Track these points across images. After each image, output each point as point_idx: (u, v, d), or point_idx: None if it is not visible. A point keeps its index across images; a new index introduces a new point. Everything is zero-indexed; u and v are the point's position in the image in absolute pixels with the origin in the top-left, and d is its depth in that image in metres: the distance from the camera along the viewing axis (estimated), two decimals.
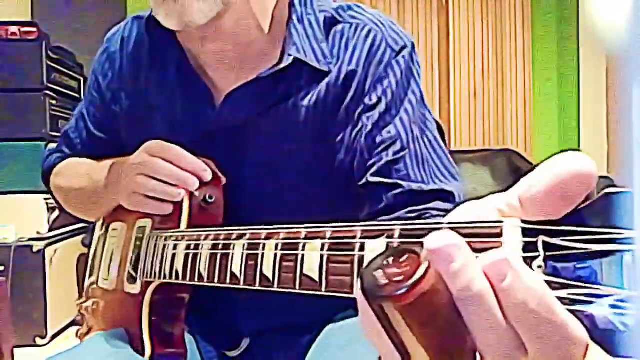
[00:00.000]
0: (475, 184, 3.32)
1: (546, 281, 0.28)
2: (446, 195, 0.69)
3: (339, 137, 0.73)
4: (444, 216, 0.65)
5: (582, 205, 0.28)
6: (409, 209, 0.68)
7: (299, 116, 0.73)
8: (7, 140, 2.67)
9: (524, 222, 0.30)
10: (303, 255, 0.44)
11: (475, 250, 0.31)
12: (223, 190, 0.72)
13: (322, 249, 0.42)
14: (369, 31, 0.73)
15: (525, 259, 0.30)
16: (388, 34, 0.74)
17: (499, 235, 0.31)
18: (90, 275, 0.90)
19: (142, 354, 0.71)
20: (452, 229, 0.33)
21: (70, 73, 3.10)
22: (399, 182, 0.69)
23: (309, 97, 0.73)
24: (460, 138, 3.75)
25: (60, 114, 2.83)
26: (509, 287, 0.28)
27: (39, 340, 2.52)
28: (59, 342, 2.61)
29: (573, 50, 3.76)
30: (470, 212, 0.34)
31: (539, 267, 0.29)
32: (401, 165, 0.70)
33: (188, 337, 0.79)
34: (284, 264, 0.46)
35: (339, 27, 0.74)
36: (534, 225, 0.30)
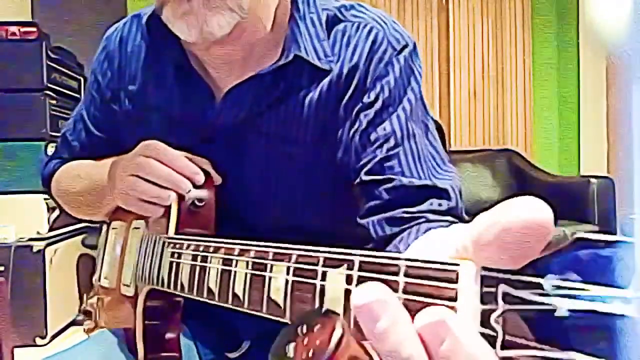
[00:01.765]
0: (475, 184, 3.32)
1: (505, 340, 0.25)
2: (440, 193, 0.69)
3: (338, 135, 0.73)
4: (439, 220, 0.65)
5: (551, 251, 0.25)
6: (404, 209, 0.67)
7: (299, 114, 0.73)
8: (7, 140, 2.67)
9: (485, 268, 0.27)
10: (270, 278, 0.42)
11: (431, 296, 0.28)
12: (221, 192, 0.71)
13: (287, 273, 0.40)
14: (371, 29, 0.73)
15: (483, 311, 0.26)
16: (390, 32, 0.74)
17: (454, 281, 0.27)
18: (97, 271, 0.90)
19: (137, 356, 0.71)
20: (408, 266, 0.30)
21: (70, 73, 3.10)
22: (391, 177, 0.69)
23: (309, 95, 0.73)
24: (460, 138, 3.75)
25: (60, 114, 2.83)
26: (446, 353, 0.25)
27: (39, 340, 2.52)
28: (59, 342, 2.61)
29: (573, 50, 3.76)
30: (433, 245, 0.31)
31: (497, 322, 0.26)
32: (394, 162, 0.69)
33: (186, 341, 0.78)
34: (254, 284, 0.44)
35: (341, 25, 0.74)
36: (493, 273, 0.26)
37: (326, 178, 0.75)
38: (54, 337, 2.62)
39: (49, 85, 2.78)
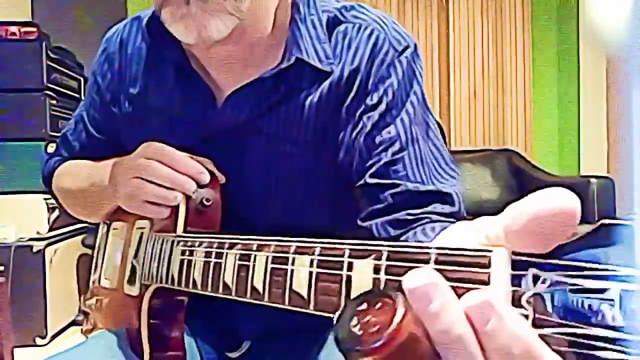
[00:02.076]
0: (475, 184, 3.32)
1: (536, 318, 0.27)
2: (445, 197, 0.69)
3: (340, 137, 0.73)
4: (443, 221, 0.65)
5: (578, 237, 0.28)
6: (407, 212, 0.67)
7: (300, 116, 0.73)
8: (7, 140, 2.67)
9: (514, 253, 0.29)
10: (292, 271, 0.43)
11: (462, 280, 0.30)
12: (223, 191, 0.71)
13: (310, 266, 0.41)
14: (372, 31, 0.73)
15: (513, 292, 0.29)
16: (391, 34, 0.73)
17: (487, 266, 0.30)
18: (94, 272, 0.90)
19: (142, 356, 0.71)
20: (439, 254, 0.32)
21: (70, 73, 3.10)
22: (397, 181, 0.69)
23: (311, 97, 0.73)
24: (460, 138, 3.75)
25: (60, 114, 2.83)
26: (492, 331, 0.26)
27: (39, 340, 2.52)
28: (59, 342, 2.61)
29: (573, 50, 3.76)
30: (460, 235, 0.33)
31: (528, 302, 0.28)
32: (399, 166, 0.69)
33: (188, 339, 0.78)
34: (274, 278, 0.45)
35: (342, 27, 0.74)
36: (523, 257, 0.29)
37: (326, 179, 0.75)
38: (54, 337, 2.62)
39: (49, 85, 2.78)
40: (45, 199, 2.57)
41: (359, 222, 0.70)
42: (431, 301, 0.27)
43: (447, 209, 0.68)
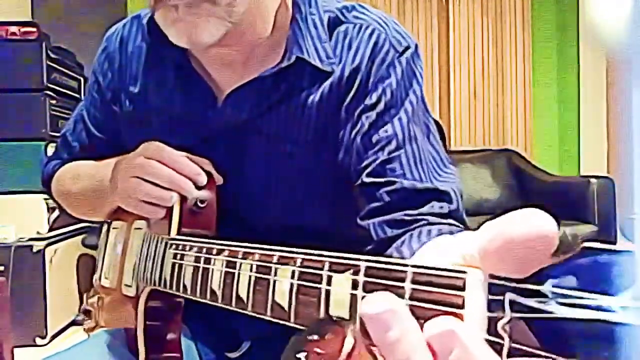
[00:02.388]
0: (476, 184, 3.32)
1: (512, 347, 0.25)
2: (442, 195, 0.69)
3: (339, 137, 0.73)
4: (440, 223, 0.65)
5: (559, 260, 0.25)
6: (405, 212, 0.67)
7: (300, 116, 0.73)
8: (7, 140, 2.67)
9: (491, 276, 0.27)
10: (275, 282, 0.42)
11: (437, 302, 0.28)
12: (221, 192, 0.71)
13: (292, 277, 0.40)
14: (373, 31, 0.73)
15: (489, 319, 0.27)
16: (392, 34, 0.73)
17: (461, 288, 0.28)
18: (97, 270, 0.90)
19: (138, 356, 0.71)
20: (415, 273, 0.30)
21: (70, 73, 3.10)
22: (393, 179, 0.68)
23: (311, 96, 0.73)
24: (460, 138, 3.75)
25: (60, 114, 2.83)
26: None
27: (39, 340, 2.52)
28: (59, 342, 2.61)
29: (573, 50, 3.76)
30: (441, 251, 0.31)
31: (504, 330, 0.26)
32: (396, 164, 0.69)
33: (186, 341, 0.78)
34: (257, 287, 0.44)
35: (343, 27, 0.74)
36: (500, 281, 0.26)
37: (326, 179, 0.75)
38: (54, 337, 2.62)
39: (49, 85, 2.78)
40: (45, 199, 2.57)
41: (358, 221, 0.70)
42: (389, 329, 0.26)
43: (445, 207, 0.68)
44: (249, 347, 0.84)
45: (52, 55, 2.84)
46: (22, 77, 2.70)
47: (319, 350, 0.26)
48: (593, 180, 2.94)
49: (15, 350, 1.94)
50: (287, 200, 0.76)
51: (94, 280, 0.91)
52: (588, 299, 0.23)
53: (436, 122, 0.77)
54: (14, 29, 2.73)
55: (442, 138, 0.77)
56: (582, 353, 0.23)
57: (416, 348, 0.26)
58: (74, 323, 2.81)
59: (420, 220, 0.66)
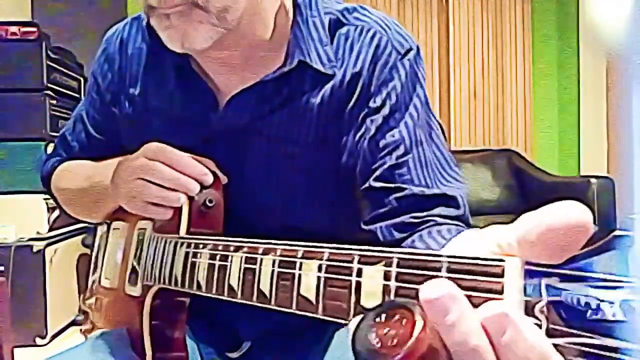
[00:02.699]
0: (476, 184, 3.32)
1: (548, 328, 0.28)
2: (449, 200, 0.69)
3: (343, 141, 0.73)
4: (448, 224, 0.65)
5: (590, 248, 0.28)
6: (412, 214, 0.67)
7: (302, 119, 0.73)
8: (7, 140, 2.67)
9: (526, 263, 0.29)
10: (300, 275, 0.43)
11: (475, 289, 0.30)
12: (225, 193, 0.71)
13: (319, 271, 0.41)
14: (375, 33, 0.73)
15: (527, 302, 0.29)
16: (393, 36, 0.73)
17: (500, 275, 0.30)
18: (94, 272, 0.90)
19: (143, 356, 0.71)
20: (451, 262, 0.32)
21: (70, 73, 3.10)
22: (402, 185, 0.68)
23: (313, 100, 0.73)
24: (460, 138, 3.75)
25: (60, 114, 2.83)
26: (508, 342, 0.27)
27: (39, 340, 2.52)
28: (59, 342, 2.61)
29: (573, 50, 3.76)
30: (471, 243, 0.33)
31: (542, 312, 0.28)
32: (404, 170, 0.69)
33: (188, 341, 0.78)
34: (281, 282, 0.45)
35: (344, 29, 0.74)
36: (536, 267, 0.29)
37: (328, 181, 0.75)
38: (54, 337, 2.62)
39: (49, 85, 2.78)
40: (45, 199, 2.57)
41: (363, 226, 0.70)
42: (448, 312, 0.27)
43: (452, 212, 0.68)
44: (249, 347, 0.84)
45: (52, 55, 2.84)
46: (22, 77, 2.70)
47: (389, 331, 0.27)
48: (593, 180, 2.94)
49: (15, 350, 1.94)
50: (287, 202, 0.76)
51: (90, 281, 0.91)
52: (619, 281, 0.26)
53: (437, 122, 0.77)
54: (14, 29, 2.73)
55: (443, 138, 0.77)
56: (612, 332, 0.25)
57: (473, 330, 0.27)
58: (74, 323, 2.81)
59: (429, 222, 0.66)
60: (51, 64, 2.82)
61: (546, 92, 3.85)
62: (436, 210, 0.67)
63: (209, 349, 0.84)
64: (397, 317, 0.28)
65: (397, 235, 0.67)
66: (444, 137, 0.76)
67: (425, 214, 0.67)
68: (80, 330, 0.92)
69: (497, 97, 3.77)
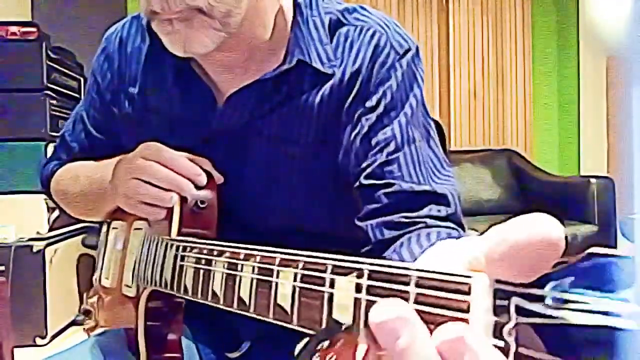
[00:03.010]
0: (475, 184, 3.32)
1: (517, 353, 0.25)
2: (440, 198, 0.69)
3: (340, 138, 0.73)
4: (439, 226, 0.65)
5: (564, 266, 0.25)
6: (403, 214, 0.67)
7: (301, 118, 0.73)
8: (7, 140, 2.67)
9: (497, 280, 0.27)
10: (277, 284, 0.42)
11: (441, 306, 0.28)
12: (223, 192, 0.71)
13: (294, 280, 0.40)
14: (374, 33, 0.73)
15: (495, 323, 0.27)
16: (393, 36, 0.73)
17: (467, 292, 0.28)
18: (97, 270, 0.90)
19: (139, 357, 0.71)
20: (419, 277, 0.30)
21: (70, 73, 3.10)
22: (391, 181, 0.68)
23: (311, 98, 0.73)
24: (460, 138, 3.75)
25: (60, 114, 2.83)
26: None
27: (39, 340, 2.52)
28: (59, 342, 2.61)
29: (573, 50, 3.76)
30: (445, 256, 0.31)
31: (510, 334, 0.26)
32: (394, 167, 0.69)
33: (186, 342, 0.78)
34: (260, 289, 0.44)
35: (344, 29, 0.74)
36: (506, 286, 0.26)
37: (326, 180, 0.75)
38: (54, 337, 2.62)
39: (49, 85, 2.78)
40: (45, 199, 2.57)
41: (356, 222, 0.70)
42: (399, 336, 0.26)
43: (443, 211, 0.68)
44: (248, 347, 0.84)
45: (52, 55, 2.84)
46: (22, 77, 2.70)
47: (330, 357, 0.27)
48: (593, 180, 2.94)
49: (15, 350, 1.94)
50: (286, 202, 0.76)
51: (93, 280, 0.91)
52: (593, 303, 0.23)
53: (436, 122, 0.77)
54: (14, 29, 2.73)
55: (442, 138, 0.77)
56: (588, 357, 0.23)
57: (426, 356, 0.26)
58: (74, 323, 2.81)
59: (419, 223, 0.66)
60: (51, 64, 2.82)
61: (546, 92, 3.85)
62: (426, 210, 0.67)
63: (208, 349, 0.84)
64: (341, 342, 0.27)
65: (387, 234, 0.67)
66: (441, 136, 0.76)
67: (415, 214, 0.67)
68: (84, 328, 0.92)
69: (497, 97, 3.78)
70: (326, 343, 0.28)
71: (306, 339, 0.28)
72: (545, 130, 3.85)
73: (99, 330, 0.84)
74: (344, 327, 0.28)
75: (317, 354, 0.27)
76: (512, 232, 0.25)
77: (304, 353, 0.28)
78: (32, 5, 3.61)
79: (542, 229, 0.25)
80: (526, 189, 3.32)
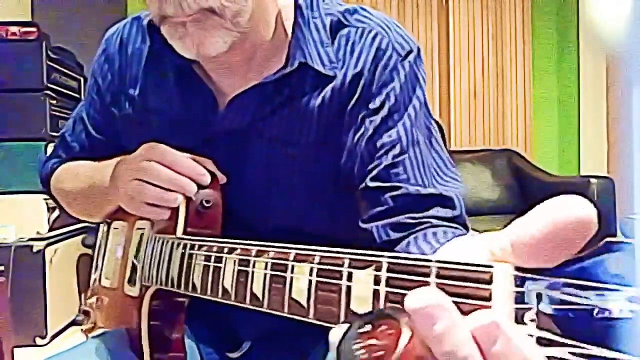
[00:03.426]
0: (476, 184, 3.32)
1: (540, 337, 0.26)
2: (446, 201, 0.69)
3: (342, 141, 0.73)
4: (444, 225, 0.65)
5: (581, 254, 0.26)
6: (409, 215, 0.67)
7: (303, 120, 0.73)
8: (7, 140, 2.67)
9: (516, 268, 0.28)
10: (292, 279, 0.42)
11: (463, 296, 0.29)
12: (225, 194, 0.71)
13: (310, 274, 0.41)
14: (375, 35, 0.73)
15: (516, 310, 0.28)
16: (394, 38, 0.73)
17: (488, 282, 0.29)
18: (95, 271, 0.90)
19: (141, 356, 0.71)
20: (440, 268, 0.31)
21: (70, 73, 3.10)
22: (397, 184, 0.69)
23: (313, 101, 0.73)
24: (460, 138, 3.75)
25: (60, 114, 2.83)
26: (499, 353, 0.26)
27: (39, 340, 2.52)
28: (59, 342, 2.61)
29: (573, 50, 3.76)
30: (463, 249, 0.32)
31: (532, 320, 0.27)
32: (400, 169, 0.69)
33: (187, 340, 0.78)
34: (274, 285, 0.45)
35: (345, 30, 0.74)
36: (527, 274, 0.27)
37: (328, 182, 0.75)
38: (54, 337, 2.62)
39: (49, 85, 2.78)
40: (45, 199, 2.57)
41: (360, 224, 0.70)
42: (435, 322, 0.26)
43: (448, 213, 0.68)
44: (249, 347, 0.84)
45: (52, 55, 2.84)
46: (22, 77, 2.70)
47: (375, 342, 0.27)
48: (593, 180, 2.94)
49: (15, 350, 1.94)
50: (288, 203, 0.76)
51: (92, 280, 0.91)
52: (609, 294, 0.24)
53: (436, 122, 0.77)
54: (14, 29, 2.73)
55: (442, 138, 0.77)
56: (606, 342, 0.24)
57: (462, 340, 0.27)
58: (74, 323, 2.81)
59: (425, 223, 0.66)
60: (51, 64, 2.82)
61: (546, 92, 3.85)
62: (432, 211, 0.67)
63: (209, 349, 0.84)
64: (383, 327, 0.27)
65: (393, 235, 0.67)
66: (442, 135, 0.76)
67: (421, 215, 0.67)
68: (82, 329, 0.92)
69: (497, 97, 3.77)
70: (368, 327, 0.28)
71: (343, 326, 0.28)
72: (545, 130, 3.85)
73: (97, 332, 0.84)
74: (385, 313, 0.28)
75: (359, 339, 0.27)
76: (552, 211, 0.26)
77: (346, 339, 0.28)
78: (32, 5, 3.60)
79: (578, 209, 0.25)
80: (526, 189, 3.31)
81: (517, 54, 3.77)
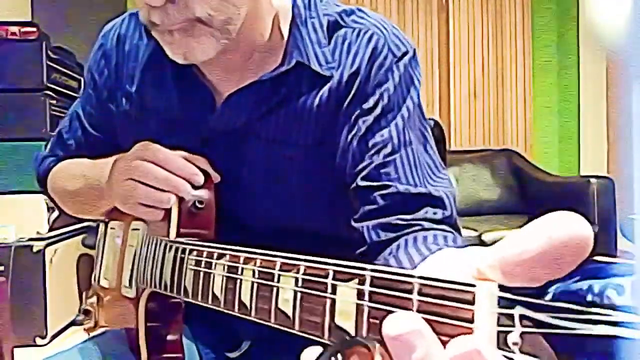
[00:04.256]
0: (475, 184, 3.32)
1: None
2: (436, 201, 0.69)
3: (337, 140, 0.73)
4: (434, 229, 0.65)
5: (566, 274, 0.25)
6: (399, 216, 0.67)
7: (299, 119, 0.73)
8: (7, 140, 2.67)
9: (500, 287, 0.27)
10: (278, 289, 0.42)
11: (445, 316, 0.28)
12: (221, 193, 0.71)
13: (296, 284, 0.40)
14: (372, 35, 0.73)
15: (499, 333, 0.26)
16: (390, 39, 0.74)
17: (471, 302, 0.27)
18: (95, 270, 0.90)
19: (139, 357, 0.71)
20: (422, 285, 0.30)
21: (70, 73, 3.10)
22: (387, 183, 0.69)
23: (309, 100, 0.73)
24: (460, 138, 3.75)
25: (60, 114, 2.83)
26: None
27: (39, 340, 2.52)
28: (59, 342, 2.61)
29: (573, 50, 3.76)
30: (448, 265, 0.31)
31: (515, 343, 0.26)
32: (390, 168, 0.69)
33: (186, 341, 0.78)
34: (261, 293, 0.44)
35: (342, 31, 0.74)
36: (512, 295, 0.26)
37: (324, 182, 0.75)
38: (54, 337, 2.62)
39: (49, 85, 2.78)
40: (45, 199, 2.56)
41: (353, 223, 0.70)
42: (414, 350, 0.26)
43: (439, 213, 0.68)
44: (248, 347, 0.84)
45: (52, 55, 2.84)
46: (22, 77, 2.70)
47: None
48: (593, 180, 2.94)
49: (15, 350, 1.94)
50: (284, 203, 0.76)
51: (92, 280, 0.91)
52: (596, 313, 0.23)
53: (436, 123, 0.77)
54: (14, 29, 2.73)
55: (442, 138, 0.77)
56: None
57: None
58: (74, 323, 2.81)
59: (415, 225, 0.66)
60: (51, 64, 2.82)
61: (546, 92, 3.85)
62: (422, 212, 0.67)
63: (208, 349, 0.84)
64: (354, 356, 0.27)
65: (383, 235, 0.67)
66: (441, 136, 0.76)
67: (411, 216, 0.67)
68: (84, 328, 0.92)
69: (497, 97, 3.78)
70: (339, 356, 0.27)
71: (315, 350, 0.28)
72: (545, 130, 3.85)
73: (98, 330, 0.84)
74: (352, 338, 0.27)
75: None
76: (548, 227, 0.25)
77: None
78: (32, 5, 3.60)
79: (575, 228, 0.24)
80: (526, 189, 3.32)
81: (517, 54, 3.77)
